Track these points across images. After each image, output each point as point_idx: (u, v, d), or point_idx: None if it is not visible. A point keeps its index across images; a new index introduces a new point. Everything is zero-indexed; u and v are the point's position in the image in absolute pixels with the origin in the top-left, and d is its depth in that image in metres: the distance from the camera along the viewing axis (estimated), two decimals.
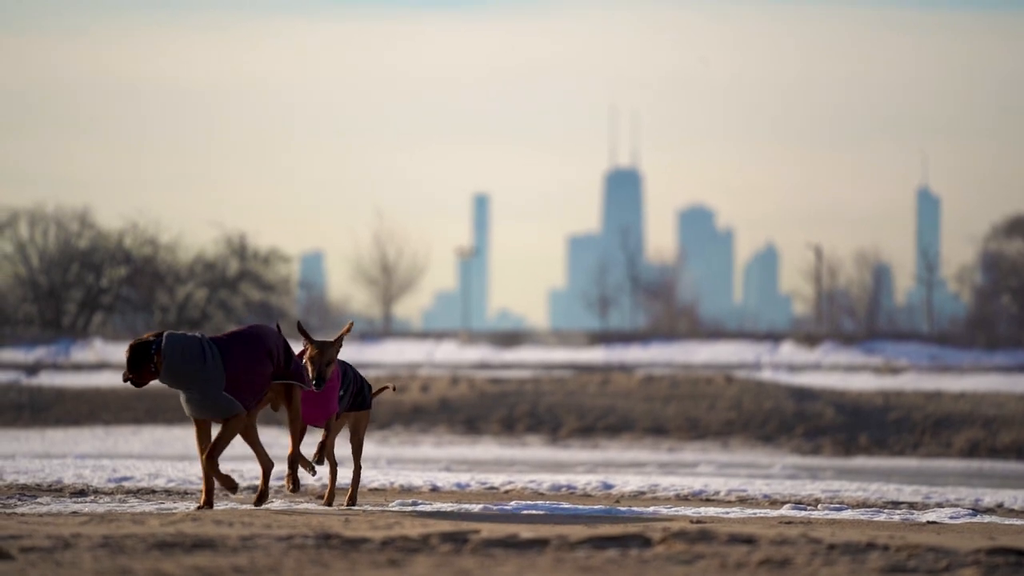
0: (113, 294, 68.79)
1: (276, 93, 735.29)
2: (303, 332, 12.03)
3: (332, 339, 12.04)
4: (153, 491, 15.69)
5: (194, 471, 18.74)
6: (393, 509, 12.74)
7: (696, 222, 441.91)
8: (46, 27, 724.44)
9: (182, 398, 11.62)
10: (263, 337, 11.60)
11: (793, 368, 51.24)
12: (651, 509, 13.58)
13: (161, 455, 26.59)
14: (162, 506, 12.70)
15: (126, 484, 16.29)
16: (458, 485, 17.60)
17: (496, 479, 18.49)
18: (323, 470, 16.16)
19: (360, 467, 12.97)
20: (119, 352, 55.46)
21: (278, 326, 12.01)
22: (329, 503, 12.59)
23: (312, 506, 13.17)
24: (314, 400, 12.09)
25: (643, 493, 17.27)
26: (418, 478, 18.64)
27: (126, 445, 31.28)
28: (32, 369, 51.87)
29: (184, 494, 15.44)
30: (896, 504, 16.32)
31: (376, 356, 54.27)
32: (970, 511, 13.71)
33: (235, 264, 70.16)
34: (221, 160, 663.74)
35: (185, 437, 34.02)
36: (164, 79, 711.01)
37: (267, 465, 12.04)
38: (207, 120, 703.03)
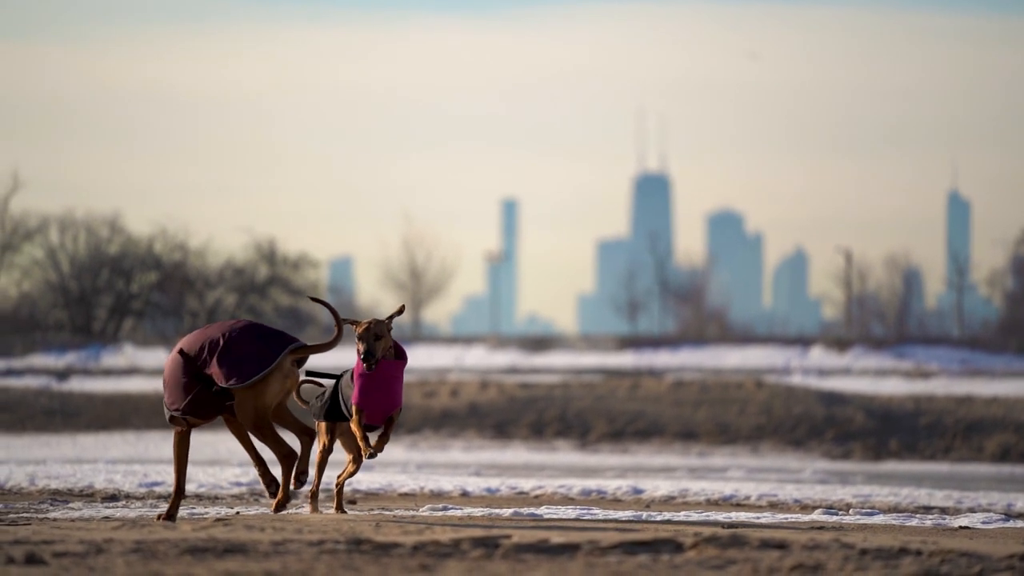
0: (143, 299, 69.01)
1: (306, 99, 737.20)
2: (331, 310, 11.22)
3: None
4: (184, 496, 15.72)
5: (224, 476, 18.78)
6: (423, 514, 12.74)
7: (725, 226, 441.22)
8: (76, 36, 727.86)
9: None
10: (189, 336, 10.93)
11: (823, 372, 51.09)
12: (682, 514, 13.56)
13: (192, 460, 26.62)
14: (193, 511, 12.72)
15: (157, 489, 16.33)
16: (488, 490, 17.60)
17: (526, 484, 18.49)
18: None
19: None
20: (149, 357, 55.60)
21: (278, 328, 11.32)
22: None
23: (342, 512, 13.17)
24: (376, 390, 10.97)
25: (673, 498, 17.25)
26: (448, 483, 18.65)
27: (156, 450, 31.36)
28: (63, 374, 52.07)
29: (215, 499, 15.47)
30: (928, 509, 16.26)
31: None
32: (1003, 516, 13.65)
33: (264, 269, 70.32)
34: (251, 166, 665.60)
35: (215, 442, 34.08)
36: (194, 86, 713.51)
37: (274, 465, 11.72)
38: (237, 126, 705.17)
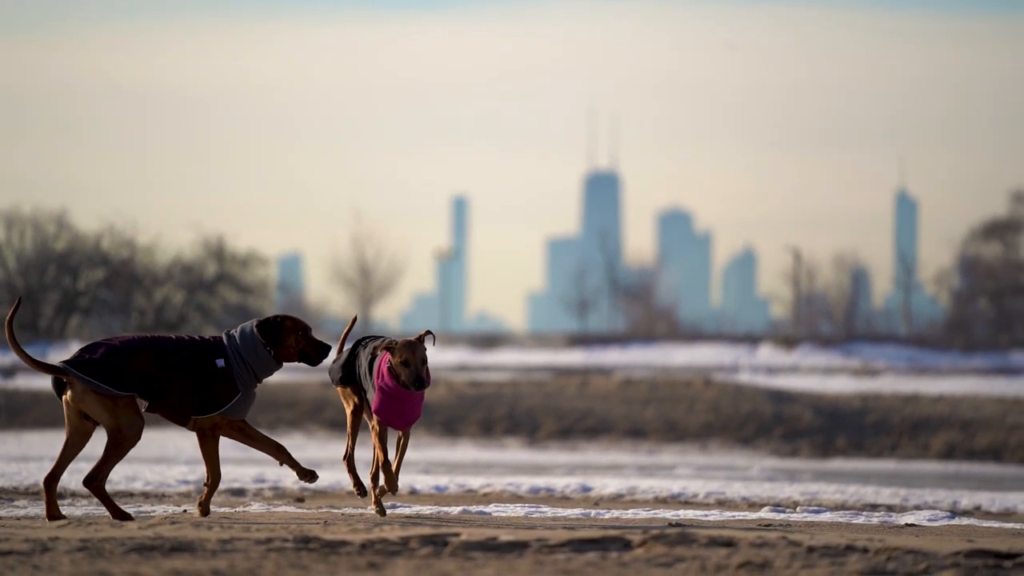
0: (90, 297, 68.62)
1: (254, 96, 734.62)
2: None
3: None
4: (131, 494, 15.65)
5: (171, 474, 18.69)
6: (372, 512, 12.72)
7: (674, 225, 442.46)
8: (25, 30, 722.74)
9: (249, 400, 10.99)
10: None
11: (771, 370, 51.30)
12: (630, 512, 13.59)
13: (138, 458, 26.51)
14: (140, 509, 12.66)
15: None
16: (437, 488, 17.59)
17: (475, 482, 18.49)
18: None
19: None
20: None
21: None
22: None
23: (291, 509, 13.15)
24: (402, 403, 10.77)
25: (622, 495, 17.29)
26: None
27: (103, 448, 31.16)
28: (8, 372, 51.71)
29: (161, 497, 15.40)
30: (874, 506, 16.35)
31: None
32: (948, 513, 13.74)
33: (213, 266, 70.04)
34: (199, 162, 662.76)
35: (163, 440, 33.92)
36: (143, 81, 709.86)
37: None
38: (185, 122, 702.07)
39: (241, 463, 25.52)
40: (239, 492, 16.59)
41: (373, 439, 10.98)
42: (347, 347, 11.40)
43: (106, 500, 10.93)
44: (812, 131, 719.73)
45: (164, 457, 27.40)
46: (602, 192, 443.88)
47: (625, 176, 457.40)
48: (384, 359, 10.79)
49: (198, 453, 30.16)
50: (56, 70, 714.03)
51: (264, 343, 10.79)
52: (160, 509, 12.72)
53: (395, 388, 10.68)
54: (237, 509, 12.86)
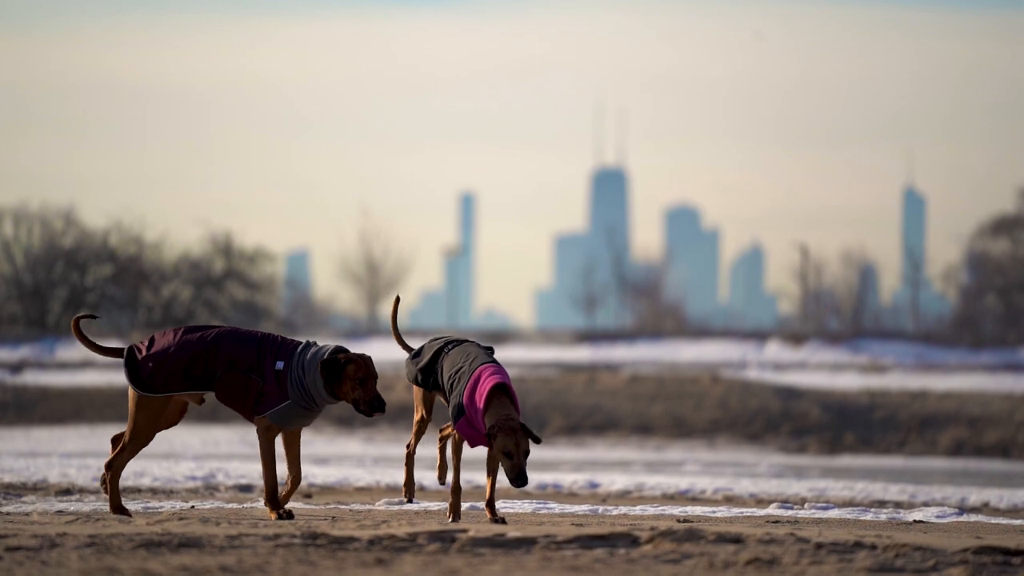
0: (98, 293, 68.69)
1: (261, 92, 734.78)
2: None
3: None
4: (139, 490, 15.66)
5: (179, 470, 18.71)
6: (380, 508, 12.73)
7: (682, 221, 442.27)
8: (31, 26, 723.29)
9: (306, 416, 10.64)
10: None
11: (779, 367, 51.26)
12: (638, 508, 13.59)
13: (146, 454, 26.53)
14: (148, 505, 12.67)
15: None
16: (445, 484, 17.58)
17: (482, 478, 18.49)
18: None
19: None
20: None
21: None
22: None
23: (299, 505, 13.15)
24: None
25: (629, 492, 17.29)
26: (403, 476, 18.62)
27: (111, 444, 31.19)
28: (16, 367, 51.77)
29: (170, 493, 15.41)
30: (882, 503, 16.34)
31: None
32: (956, 510, 13.73)
33: (220, 263, 70.08)
34: (207, 158, 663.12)
35: (171, 437, 33.93)
36: (150, 78, 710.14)
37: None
38: (192, 119, 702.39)
39: (249, 459, 25.52)
40: (247, 488, 16.60)
41: (451, 449, 10.65)
42: (428, 345, 10.82)
43: (113, 491, 10.86)
44: (819, 127, 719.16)
45: (172, 453, 27.42)
46: (609, 188, 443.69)
47: (632, 172, 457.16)
48: (480, 392, 10.28)
49: (206, 449, 30.21)
50: (63, 66, 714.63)
51: (323, 377, 10.42)
52: (168, 505, 12.73)
53: (475, 396, 10.26)
54: (245, 505, 12.86)
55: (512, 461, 9.99)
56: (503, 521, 10.32)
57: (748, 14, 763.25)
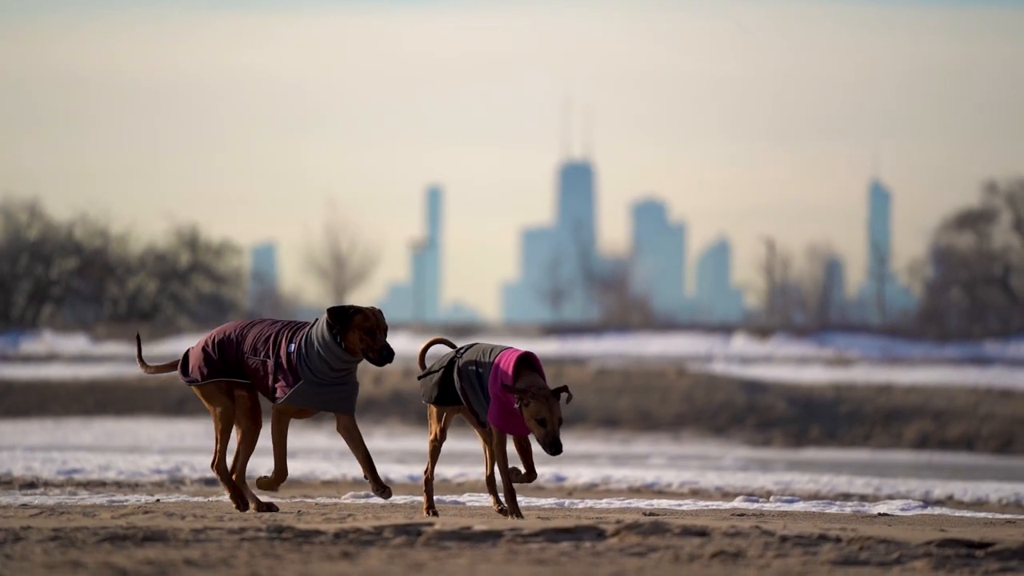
0: (63, 286, 68.39)
1: (228, 85, 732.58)
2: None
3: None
4: (104, 483, 15.61)
5: (144, 463, 18.64)
6: (346, 501, 12.71)
7: (649, 215, 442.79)
8: None
9: (329, 392, 10.44)
10: None
11: (745, 360, 51.38)
12: (604, 501, 13.60)
13: (112, 447, 26.46)
14: (113, 499, 12.62)
15: (76, 476, 16.20)
16: (411, 477, 17.58)
17: (449, 471, 18.49)
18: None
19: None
20: (68, 344, 55.11)
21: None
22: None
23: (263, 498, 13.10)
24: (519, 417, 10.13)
25: (596, 485, 17.31)
26: None
27: (76, 437, 31.09)
28: None
29: (135, 486, 15.36)
30: (847, 496, 16.39)
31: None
32: (920, 503, 13.78)
33: (186, 256, 69.87)
34: (172, 151, 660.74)
35: (136, 429, 33.82)
36: (114, 71, 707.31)
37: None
38: (158, 111, 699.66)
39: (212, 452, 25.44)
40: (212, 482, 16.56)
41: (495, 451, 10.27)
42: (438, 361, 10.47)
43: (226, 485, 10.74)
44: (786, 122, 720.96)
45: (137, 446, 27.32)
46: (577, 182, 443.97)
47: (600, 166, 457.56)
48: (505, 366, 9.99)
49: (172, 442, 30.12)
50: (26, 60, 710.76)
51: (333, 333, 10.20)
52: (133, 498, 12.69)
53: (499, 386, 9.98)
54: (211, 499, 12.83)
55: (545, 428, 9.79)
56: (519, 515, 10.14)
57: (717, 10, 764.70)
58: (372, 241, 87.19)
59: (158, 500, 12.46)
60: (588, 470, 19.47)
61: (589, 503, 13.25)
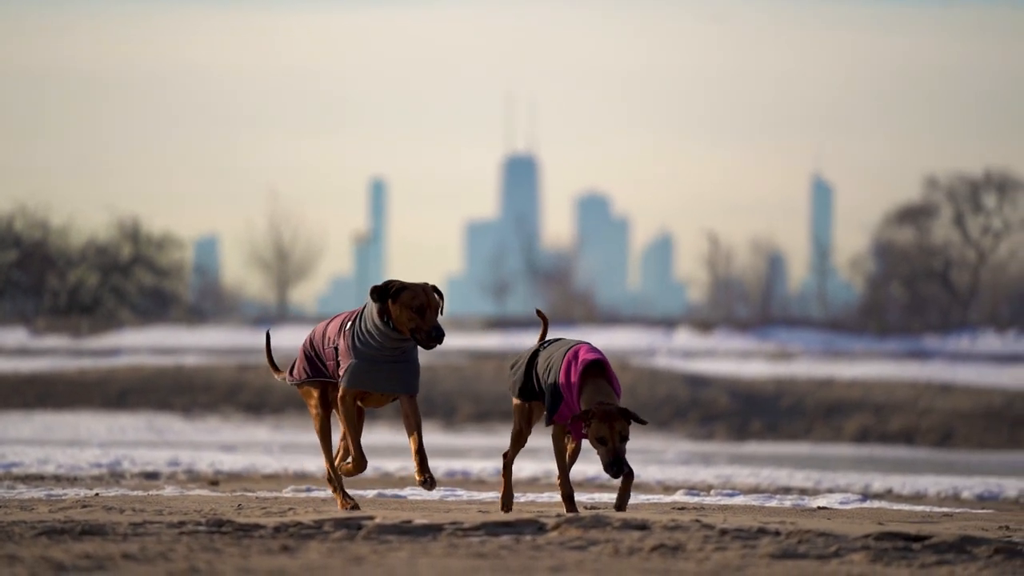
0: (2, 278, 67.87)
1: (170, 78, 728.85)
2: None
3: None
4: (42, 477, 15.51)
5: (84, 457, 18.53)
6: (287, 495, 12.68)
7: (592, 209, 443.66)
8: None
9: (386, 371, 9.89)
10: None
11: (688, 354, 51.57)
12: (545, 495, 13.63)
13: (51, 441, 26.28)
14: (51, 493, 12.54)
15: (14, 470, 16.09)
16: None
17: (391, 465, 18.49)
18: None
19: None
20: (8, 337, 54.67)
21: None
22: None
23: (205, 493, 13.07)
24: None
25: (537, 479, 17.34)
26: (312, 464, 18.58)
27: (15, 430, 30.88)
28: None
29: (74, 480, 15.27)
30: (788, 490, 16.48)
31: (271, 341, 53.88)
32: (860, 496, 13.87)
33: (128, 248, 69.49)
34: (114, 144, 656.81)
35: (76, 423, 33.64)
36: (56, 64, 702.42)
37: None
38: (99, 104, 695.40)
39: (155, 446, 25.35)
40: (153, 475, 16.48)
41: (554, 452, 10.08)
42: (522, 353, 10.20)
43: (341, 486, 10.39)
44: (729, 117, 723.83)
45: (77, 440, 27.17)
46: (520, 176, 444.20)
47: (543, 160, 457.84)
48: (576, 369, 9.75)
49: (112, 436, 29.94)
50: None
51: (379, 311, 9.67)
52: (72, 492, 12.61)
53: (570, 379, 9.73)
54: (150, 492, 12.77)
55: (606, 447, 9.52)
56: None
57: (659, 5, 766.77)
58: (315, 234, 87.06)
59: (97, 494, 12.39)
60: (530, 464, 19.49)
61: (531, 497, 13.28)
